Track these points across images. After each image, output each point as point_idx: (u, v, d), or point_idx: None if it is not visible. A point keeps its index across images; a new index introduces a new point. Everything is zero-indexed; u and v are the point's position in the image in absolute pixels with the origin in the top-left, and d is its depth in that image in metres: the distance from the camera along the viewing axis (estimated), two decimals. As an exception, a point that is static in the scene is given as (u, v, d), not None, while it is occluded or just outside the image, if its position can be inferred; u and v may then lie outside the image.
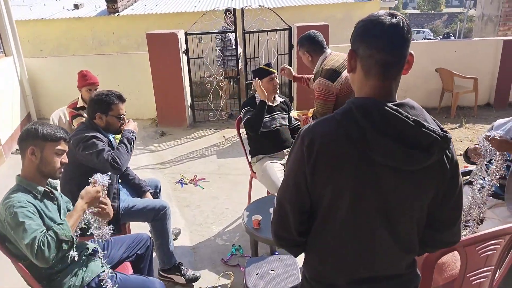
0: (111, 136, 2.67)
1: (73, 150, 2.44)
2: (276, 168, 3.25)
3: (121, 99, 2.62)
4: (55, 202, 2.02)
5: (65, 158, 2.01)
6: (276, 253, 3.05)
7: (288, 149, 3.48)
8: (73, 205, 2.10)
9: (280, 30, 6.29)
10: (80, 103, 3.74)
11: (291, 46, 6.38)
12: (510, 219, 2.39)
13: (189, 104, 6.57)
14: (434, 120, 1.18)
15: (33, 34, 8.56)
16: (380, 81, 1.16)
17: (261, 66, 3.42)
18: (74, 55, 7.67)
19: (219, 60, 6.56)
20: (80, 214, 1.88)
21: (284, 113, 3.52)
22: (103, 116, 2.57)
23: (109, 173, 2.09)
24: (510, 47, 6.56)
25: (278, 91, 3.47)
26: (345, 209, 1.18)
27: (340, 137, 1.14)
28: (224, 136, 5.99)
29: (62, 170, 2.01)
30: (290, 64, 6.33)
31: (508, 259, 1.97)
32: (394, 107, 1.11)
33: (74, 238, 1.79)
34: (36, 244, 1.67)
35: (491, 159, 2.31)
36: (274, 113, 3.43)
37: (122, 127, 2.65)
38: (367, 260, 1.24)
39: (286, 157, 3.45)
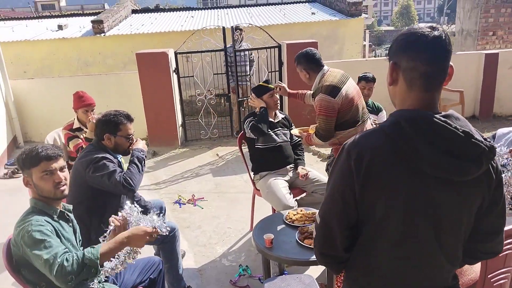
0: (119, 157, 2.60)
1: (82, 172, 2.36)
2: (281, 185, 3.22)
3: (129, 118, 2.57)
4: (71, 224, 1.95)
5: (58, 177, 1.87)
6: (285, 272, 3.00)
7: (291, 165, 3.46)
8: (80, 234, 2.04)
9: (270, 47, 6.34)
10: (76, 125, 3.65)
11: (281, 63, 6.43)
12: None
13: (181, 123, 6.51)
14: (477, 131, 1.18)
15: (16, 56, 8.38)
16: (424, 93, 1.16)
17: (260, 83, 3.43)
18: (60, 76, 7.54)
19: (232, 77, 6.50)
20: (118, 247, 1.73)
21: (286, 129, 3.51)
22: (111, 137, 2.50)
23: (169, 225, 1.99)
24: (492, 60, 6.78)
25: (278, 107, 3.48)
26: (396, 222, 1.17)
27: (390, 150, 1.13)
28: (217, 154, 5.94)
29: (63, 187, 1.88)
30: (280, 81, 6.36)
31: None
32: (443, 119, 1.11)
33: (99, 268, 1.67)
34: (59, 259, 1.60)
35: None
36: (276, 129, 3.43)
37: (130, 147, 2.58)
38: (417, 273, 1.22)
39: (290, 173, 3.42)
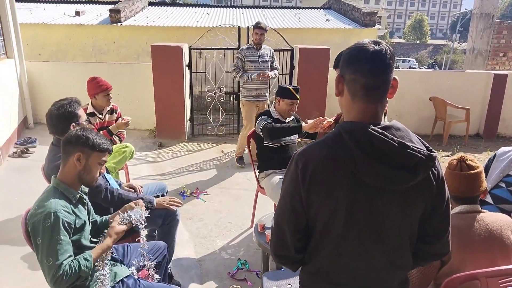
0: None
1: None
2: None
3: (79, 103, 2.74)
4: (86, 206, 2.04)
5: (103, 169, 2.08)
6: (282, 269, 3.09)
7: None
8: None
9: (283, 50, 6.44)
10: (90, 109, 3.75)
11: (292, 67, 6.53)
12: None
13: (189, 117, 6.62)
14: (420, 139, 1.25)
15: (32, 38, 8.52)
16: (366, 104, 1.23)
17: (289, 87, 3.41)
18: (74, 61, 7.66)
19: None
20: (105, 251, 1.97)
21: (294, 130, 3.58)
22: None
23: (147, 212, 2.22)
24: (500, 81, 6.84)
25: (291, 115, 3.51)
26: (339, 228, 1.24)
27: (331, 161, 1.20)
28: (222, 151, 6.03)
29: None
30: (290, 83, 6.44)
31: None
32: (380, 130, 1.18)
33: (89, 276, 1.87)
34: (60, 272, 1.70)
35: None
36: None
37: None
38: (360, 277, 1.30)
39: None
